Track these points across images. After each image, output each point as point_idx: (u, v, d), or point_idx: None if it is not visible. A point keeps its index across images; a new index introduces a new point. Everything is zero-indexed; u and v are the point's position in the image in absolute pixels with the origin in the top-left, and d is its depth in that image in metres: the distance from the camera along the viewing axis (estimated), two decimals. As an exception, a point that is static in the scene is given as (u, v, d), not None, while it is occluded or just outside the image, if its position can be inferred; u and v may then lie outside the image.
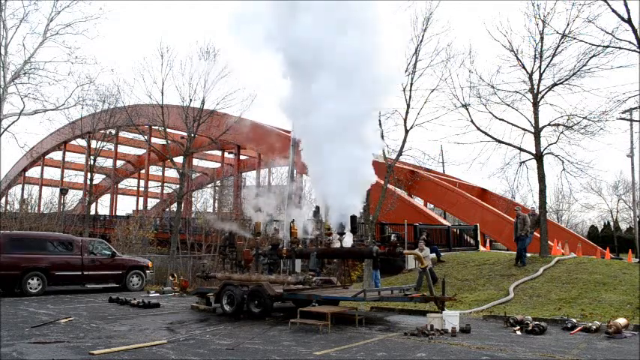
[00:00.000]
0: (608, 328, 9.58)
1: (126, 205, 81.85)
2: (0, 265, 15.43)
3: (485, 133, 18.59)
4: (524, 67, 18.12)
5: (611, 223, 46.54)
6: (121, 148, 45.06)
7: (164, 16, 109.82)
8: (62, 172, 45.63)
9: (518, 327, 10.16)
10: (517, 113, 18.59)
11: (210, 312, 12.89)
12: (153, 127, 34.94)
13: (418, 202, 31.78)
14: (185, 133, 26.26)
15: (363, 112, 12.64)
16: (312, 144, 13.04)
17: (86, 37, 28.31)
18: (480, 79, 18.55)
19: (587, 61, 16.91)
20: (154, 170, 47.89)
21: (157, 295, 17.01)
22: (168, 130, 26.27)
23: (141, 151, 47.09)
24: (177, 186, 29.66)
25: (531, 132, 18.00)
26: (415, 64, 18.30)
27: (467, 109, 18.66)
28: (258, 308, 11.69)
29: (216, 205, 37.44)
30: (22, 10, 23.56)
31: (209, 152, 44.46)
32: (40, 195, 45.40)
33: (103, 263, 17.84)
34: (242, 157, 41.37)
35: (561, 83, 17.68)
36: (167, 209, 44.01)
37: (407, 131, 18.37)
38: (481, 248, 22.73)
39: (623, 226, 47.17)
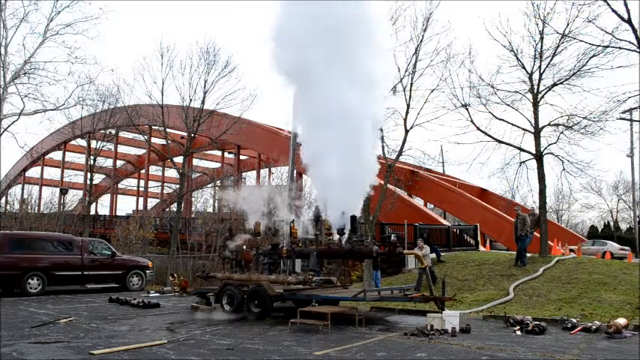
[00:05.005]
0: (608, 328, 9.58)
1: (126, 205, 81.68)
2: (0, 265, 15.44)
3: (485, 133, 18.61)
4: (524, 67, 18.15)
5: (611, 223, 46.55)
6: (121, 148, 45.07)
7: (164, 16, 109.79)
8: (62, 172, 45.64)
9: (518, 327, 10.15)
10: (517, 113, 18.64)
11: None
12: (153, 127, 34.92)
13: (418, 202, 31.80)
14: (185, 133, 26.26)
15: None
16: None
17: (86, 37, 28.13)
18: (480, 79, 18.60)
19: (587, 61, 16.95)
20: (154, 170, 47.91)
21: (157, 295, 16.99)
22: (168, 130, 26.27)
23: (141, 151, 47.08)
24: (177, 186, 29.66)
25: (531, 132, 18.01)
26: (415, 64, 18.34)
27: (467, 109, 18.70)
28: (258, 308, 11.67)
29: (216, 205, 37.40)
30: (22, 10, 23.51)
31: (209, 152, 44.45)
32: (40, 195, 45.46)
33: (103, 263, 17.82)
34: (242, 157, 41.39)
35: (561, 83, 17.70)
36: (167, 209, 44.01)
37: (407, 131, 18.40)
38: (481, 248, 22.73)
39: (623, 226, 47.17)
